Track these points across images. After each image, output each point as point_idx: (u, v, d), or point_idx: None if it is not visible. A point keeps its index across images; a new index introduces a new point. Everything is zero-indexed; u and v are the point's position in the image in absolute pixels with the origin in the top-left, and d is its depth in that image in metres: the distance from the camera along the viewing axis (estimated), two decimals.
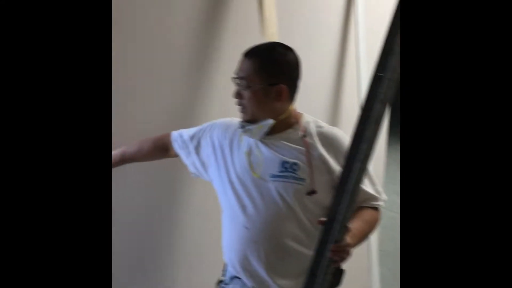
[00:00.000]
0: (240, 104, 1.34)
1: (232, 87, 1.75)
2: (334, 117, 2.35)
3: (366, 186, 1.34)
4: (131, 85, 1.58)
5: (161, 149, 1.52)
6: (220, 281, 1.45)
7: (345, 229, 1.16)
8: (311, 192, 1.30)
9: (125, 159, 1.51)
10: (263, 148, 1.34)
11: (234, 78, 1.34)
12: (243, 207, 1.34)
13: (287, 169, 1.31)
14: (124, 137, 1.55)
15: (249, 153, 1.35)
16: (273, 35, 1.66)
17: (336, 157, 1.32)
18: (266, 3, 1.64)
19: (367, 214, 1.35)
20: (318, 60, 2.20)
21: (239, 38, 1.75)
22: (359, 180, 1.13)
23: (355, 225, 1.25)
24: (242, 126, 1.34)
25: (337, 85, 2.34)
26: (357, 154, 1.11)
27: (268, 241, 1.32)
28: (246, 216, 1.34)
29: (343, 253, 1.17)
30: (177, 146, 1.49)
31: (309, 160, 1.29)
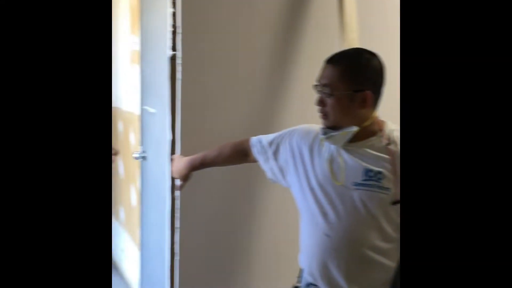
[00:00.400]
0: (322, 111, 1.33)
1: (310, 93, 1.75)
2: None
3: None
4: (211, 89, 1.63)
5: (240, 154, 1.55)
6: (295, 287, 1.45)
7: None
8: (397, 202, 1.26)
9: (205, 163, 1.56)
10: (345, 155, 1.32)
11: (317, 85, 1.33)
12: (324, 215, 1.33)
13: (371, 178, 1.28)
14: (204, 143, 1.59)
15: (331, 160, 1.34)
16: (353, 41, 1.64)
17: None
18: (346, 9, 1.61)
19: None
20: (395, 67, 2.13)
21: (319, 43, 1.74)
22: None
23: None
24: (325, 133, 1.33)
25: None
26: None
27: (349, 250, 1.30)
28: (327, 224, 1.33)
29: None
30: (256, 152, 1.50)
31: (394, 169, 1.26)
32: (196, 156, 1.56)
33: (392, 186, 1.27)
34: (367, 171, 1.29)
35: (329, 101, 1.30)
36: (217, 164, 1.57)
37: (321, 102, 1.32)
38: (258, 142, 1.51)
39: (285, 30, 1.69)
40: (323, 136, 1.34)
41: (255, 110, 1.69)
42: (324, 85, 1.31)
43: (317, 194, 1.35)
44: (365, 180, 1.28)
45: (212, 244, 1.71)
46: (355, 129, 1.30)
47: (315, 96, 1.76)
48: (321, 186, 1.34)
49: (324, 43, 1.75)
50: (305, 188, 1.37)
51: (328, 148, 1.36)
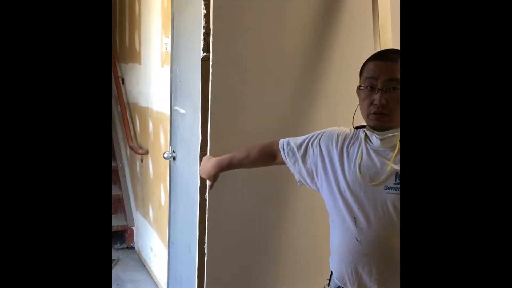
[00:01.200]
0: (386, 109, 1.26)
1: (341, 95, 1.73)
2: None
3: None
4: (242, 91, 1.63)
5: (268, 156, 1.54)
6: None
7: None
8: None
9: (232, 165, 1.55)
10: (375, 158, 1.30)
11: (371, 80, 1.28)
12: (354, 219, 1.31)
13: None
14: (234, 144, 1.60)
15: (361, 163, 1.32)
16: (387, 42, 1.61)
17: None
18: (380, 9, 1.59)
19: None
20: None
21: (351, 45, 1.72)
22: None
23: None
24: (380, 135, 1.28)
25: None
26: None
27: (380, 256, 1.28)
28: (357, 228, 1.30)
29: None
30: (284, 154, 1.49)
31: None
32: (224, 157, 1.55)
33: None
34: (399, 175, 1.25)
35: (394, 97, 1.24)
36: (244, 166, 1.56)
37: (385, 100, 1.25)
38: (287, 145, 1.49)
39: (317, 32, 1.68)
40: (378, 137, 1.29)
41: (285, 112, 1.69)
42: (390, 80, 1.25)
43: (347, 197, 1.32)
44: (396, 183, 1.25)
45: (240, 246, 1.71)
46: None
47: (345, 98, 1.75)
48: (350, 190, 1.32)
49: (357, 44, 1.73)
50: (335, 192, 1.35)
51: (358, 150, 1.34)
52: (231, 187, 1.65)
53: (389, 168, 1.26)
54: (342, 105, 1.75)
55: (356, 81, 1.77)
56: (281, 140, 1.51)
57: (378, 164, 1.29)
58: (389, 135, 1.27)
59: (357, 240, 1.31)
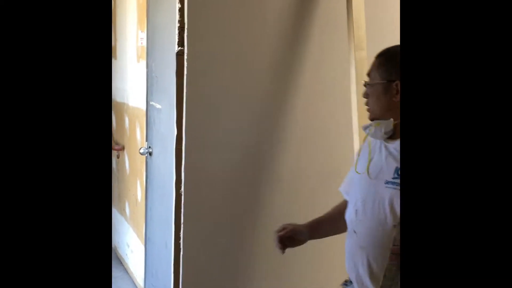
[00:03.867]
0: (366, 103, 1.34)
1: (317, 88, 1.74)
2: None
3: None
4: (217, 85, 1.62)
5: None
6: (345, 281, 1.45)
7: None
8: None
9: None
10: (384, 152, 1.31)
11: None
12: (356, 211, 1.33)
13: (399, 176, 1.25)
14: (210, 138, 1.59)
15: (371, 157, 1.34)
16: (361, 38, 1.63)
17: None
18: (354, 6, 1.60)
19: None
20: None
21: (326, 40, 1.74)
22: None
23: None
24: (366, 125, 1.33)
25: None
26: None
27: (373, 249, 1.29)
28: (356, 220, 1.33)
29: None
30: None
31: None
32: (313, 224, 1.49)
33: None
34: (398, 169, 1.26)
35: (368, 92, 1.32)
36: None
37: (365, 94, 1.33)
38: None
39: (293, 27, 1.68)
40: (363, 128, 1.34)
41: (261, 105, 1.69)
42: (367, 76, 1.32)
43: (356, 189, 1.35)
44: (394, 178, 1.26)
45: (216, 241, 1.71)
46: (391, 121, 1.27)
47: (321, 92, 1.76)
48: (360, 182, 1.34)
49: (332, 40, 1.74)
50: (351, 185, 1.39)
51: (373, 144, 1.35)
52: (206, 182, 1.65)
53: (392, 163, 1.26)
54: (318, 99, 1.76)
55: (330, 76, 1.78)
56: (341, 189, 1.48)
57: (384, 159, 1.30)
58: (369, 125, 1.31)
59: (354, 232, 1.33)
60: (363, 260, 1.30)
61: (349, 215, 1.37)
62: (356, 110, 1.62)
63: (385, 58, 1.31)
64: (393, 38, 1.99)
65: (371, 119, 1.32)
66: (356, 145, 1.64)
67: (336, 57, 1.75)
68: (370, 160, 1.33)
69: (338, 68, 1.75)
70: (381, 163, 1.30)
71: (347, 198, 1.45)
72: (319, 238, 1.53)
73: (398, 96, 1.27)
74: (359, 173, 1.33)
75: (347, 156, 1.73)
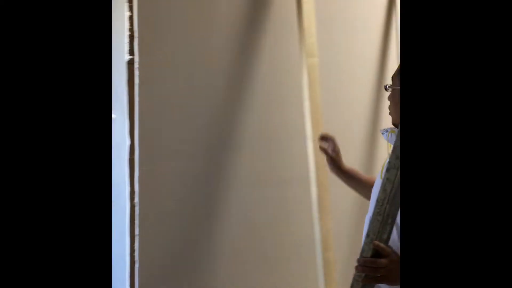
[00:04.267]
0: (389, 107, 1.35)
1: (272, 95, 1.75)
2: (374, 130, 2.31)
3: None
4: (170, 94, 1.61)
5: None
6: None
7: (373, 246, 1.12)
8: None
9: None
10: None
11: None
12: (368, 213, 1.34)
13: None
14: (163, 148, 1.57)
15: (385, 165, 1.32)
16: (312, 45, 1.65)
17: None
18: (305, 13, 1.63)
19: None
20: (358, 69, 2.16)
21: (279, 47, 1.75)
22: (397, 200, 1.08)
23: None
24: (384, 130, 1.35)
25: (378, 93, 2.30)
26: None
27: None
28: (367, 223, 1.32)
29: (368, 269, 1.12)
30: None
31: None
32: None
33: None
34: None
35: (389, 96, 1.33)
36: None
37: (389, 97, 1.34)
38: None
39: (245, 35, 1.69)
40: (385, 131, 1.34)
41: (215, 113, 1.68)
42: (391, 79, 1.33)
43: (372, 194, 1.36)
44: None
45: (172, 252, 1.69)
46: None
47: (274, 100, 1.77)
48: (377, 188, 1.33)
49: (284, 48, 1.76)
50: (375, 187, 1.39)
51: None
52: (161, 192, 1.63)
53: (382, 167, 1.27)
54: (272, 107, 1.77)
55: (283, 83, 1.80)
56: None
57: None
58: (385, 130, 1.33)
59: (368, 235, 1.33)
60: None
61: (366, 219, 1.38)
62: (309, 117, 1.63)
63: None
64: (344, 45, 2.03)
65: (393, 124, 1.34)
66: (310, 151, 1.65)
67: (288, 64, 1.77)
68: (383, 166, 1.32)
69: (290, 75, 1.77)
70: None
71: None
72: (342, 179, 1.59)
73: None
74: (381, 178, 1.31)
75: (300, 162, 1.75)
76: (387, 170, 1.08)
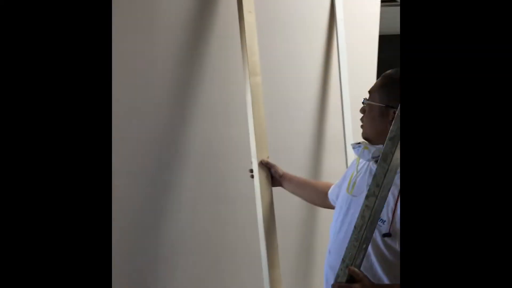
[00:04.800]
0: (361, 120, 1.34)
1: (213, 115, 1.75)
2: (319, 141, 2.35)
3: None
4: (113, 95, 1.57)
5: (322, 193, 1.60)
6: None
7: (348, 271, 1.12)
8: (385, 235, 1.18)
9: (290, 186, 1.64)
10: (366, 176, 1.31)
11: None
12: (333, 228, 1.35)
13: None
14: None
15: (357, 178, 1.34)
16: (255, 63, 1.67)
17: None
18: (247, 32, 1.65)
19: None
20: (301, 85, 2.21)
21: (222, 65, 1.76)
22: (372, 226, 1.10)
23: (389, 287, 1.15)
24: (355, 143, 1.33)
25: (321, 107, 2.35)
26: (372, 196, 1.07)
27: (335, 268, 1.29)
28: (332, 239, 1.34)
29: None
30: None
31: (397, 199, 1.17)
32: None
33: (389, 216, 1.18)
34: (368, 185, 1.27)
35: (365, 109, 1.32)
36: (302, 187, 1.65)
37: (362, 110, 1.33)
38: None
39: (189, 51, 1.68)
40: (351, 145, 1.34)
41: (158, 131, 1.66)
42: (369, 92, 1.31)
43: (337, 209, 1.37)
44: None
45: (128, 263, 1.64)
46: (375, 147, 1.28)
47: (219, 116, 1.77)
48: (341, 202, 1.35)
49: (227, 66, 1.77)
50: (337, 201, 1.41)
51: (361, 164, 1.36)
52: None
53: (350, 180, 1.31)
54: (216, 124, 1.77)
55: (224, 101, 1.80)
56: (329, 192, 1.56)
57: (364, 182, 1.30)
58: (357, 145, 1.32)
59: (329, 251, 1.35)
60: (332, 281, 1.31)
61: (330, 231, 1.39)
62: (253, 134, 1.64)
63: (390, 82, 1.26)
64: (287, 63, 2.07)
65: (364, 138, 1.32)
66: (255, 168, 1.66)
67: (230, 83, 1.78)
68: (355, 182, 1.34)
69: (235, 92, 1.78)
70: (363, 186, 1.30)
71: (333, 204, 1.49)
72: (288, 189, 1.67)
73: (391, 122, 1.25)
74: (348, 193, 1.33)
75: (246, 180, 1.75)
76: (366, 197, 1.08)
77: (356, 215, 1.26)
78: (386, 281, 1.19)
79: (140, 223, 1.57)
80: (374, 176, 1.06)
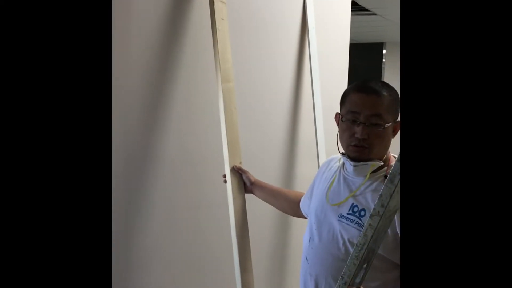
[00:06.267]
0: (366, 142, 1.26)
1: (186, 122, 1.76)
2: (292, 147, 2.39)
3: None
4: None
5: (294, 202, 1.62)
6: None
7: None
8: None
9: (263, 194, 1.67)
10: (343, 185, 1.33)
11: (355, 114, 1.27)
12: (310, 238, 1.35)
13: (355, 213, 1.27)
14: None
15: (332, 186, 1.35)
16: (228, 71, 1.69)
17: None
18: (219, 39, 1.66)
19: None
20: (273, 92, 2.24)
21: (194, 72, 1.77)
22: (374, 245, 1.09)
23: None
24: (354, 163, 1.29)
25: (294, 114, 2.39)
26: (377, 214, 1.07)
27: (321, 278, 1.31)
28: (310, 247, 1.35)
29: None
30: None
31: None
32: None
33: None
34: (353, 206, 1.28)
35: (375, 132, 1.25)
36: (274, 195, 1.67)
37: (366, 134, 1.25)
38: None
39: (163, 57, 1.69)
40: (351, 164, 1.29)
41: (130, 137, 1.66)
42: (373, 116, 1.25)
43: (312, 217, 1.37)
44: (349, 214, 1.27)
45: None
46: (381, 163, 1.28)
47: (192, 122, 1.78)
48: (316, 210, 1.36)
49: (199, 74, 1.78)
50: (311, 213, 1.40)
51: (334, 174, 1.37)
52: None
53: (345, 199, 1.29)
54: (189, 130, 1.78)
55: (198, 107, 1.82)
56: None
57: (342, 191, 1.32)
58: (362, 163, 1.28)
59: (306, 259, 1.35)
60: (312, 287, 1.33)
61: (304, 240, 1.40)
62: (226, 139, 1.66)
63: (394, 98, 1.27)
64: (260, 69, 2.10)
65: (366, 158, 1.28)
66: (228, 174, 1.67)
67: (203, 91, 1.79)
68: (330, 187, 1.35)
69: (208, 99, 1.79)
70: (339, 193, 1.32)
71: (306, 215, 1.50)
72: (259, 197, 1.70)
73: (393, 136, 1.28)
74: (328, 202, 1.33)
75: (217, 187, 1.76)
76: (371, 216, 1.08)
77: (334, 222, 1.30)
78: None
79: (113, 228, 1.57)
80: (380, 196, 1.06)
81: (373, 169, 1.29)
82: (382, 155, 1.30)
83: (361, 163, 1.28)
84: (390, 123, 1.26)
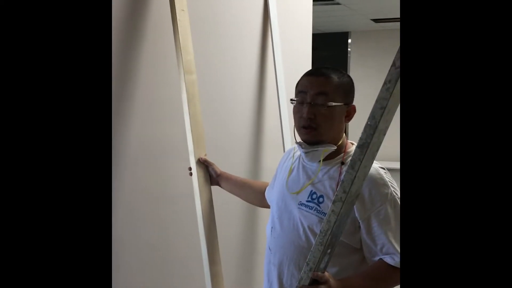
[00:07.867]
0: (313, 122, 1.25)
1: (149, 113, 1.73)
2: (257, 139, 2.39)
3: (390, 237, 1.21)
4: None
5: (260, 192, 1.62)
6: None
7: (312, 276, 1.13)
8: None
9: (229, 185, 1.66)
10: (302, 173, 1.32)
11: (302, 94, 1.26)
12: (272, 228, 1.35)
13: (313, 200, 1.27)
14: None
15: (290, 176, 1.35)
16: (190, 62, 1.67)
17: (362, 201, 1.22)
18: (181, 31, 1.64)
19: (380, 271, 1.21)
20: (237, 83, 2.23)
21: (157, 65, 1.74)
22: (338, 231, 1.10)
23: (353, 280, 1.18)
24: (305, 147, 1.27)
25: (258, 105, 2.39)
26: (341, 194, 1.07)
27: (284, 267, 1.31)
28: (272, 237, 1.35)
29: None
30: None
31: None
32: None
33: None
34: (312, 193, 1.28)
35: (323, 112, 1.24)
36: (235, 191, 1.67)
37: (312, 113, 1.24)
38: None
39: (123, 49, 1.65)
40: (303, 150, 1.28)
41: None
42: (319, 94, 1.25)
43: (273, 208, 1.37)
44: (308, 201, 1.28)
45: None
46: (334, 147, 1.27)
47: (159, 112, 1.75)
48: (277, 199, 1.36)
49: (161, 66, 1.75)
50: (272, 202, 1.40)
51: (292, 163, 1.37)
52: None
53: (304, 187, 1.29)
54: (153, 122, 1.75)
55: (160, 100, 1.80)
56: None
57: (301, 179, 1.32)
58: (313, 149, 1.27)
59: (269, 248, 1.35)
60: (276, 277, 1.33)
61: (267, 230, 1.41)
62: (190, 131, 1.64)
63: (346, 82, 1.28)
64: (222, 61, 2.08)
65: (315, 140, 1.27)
66: (193, 166, 1.66)
67: (162, 82, 1.77)
68: (289, 176, 1.35)
69: (170, 91, 1.77)
70: (298, 182, 1.32)
71: (270, 204, 1.49)
72: (225, 189, 1.70)
73: (347, 120, 1.28)
74: (288, 191, 1.34)
75: (184, 178, 1.75)
76: (333, 202, 1.09)
77: (293, 211, 1.31)
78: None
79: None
80: (342, 182, 1.07)
81: (326, 154, 1.28)
82: (334, 139, 1.29)
83: (312, 148, 1.28)
84: (339, 104, 1.26)
